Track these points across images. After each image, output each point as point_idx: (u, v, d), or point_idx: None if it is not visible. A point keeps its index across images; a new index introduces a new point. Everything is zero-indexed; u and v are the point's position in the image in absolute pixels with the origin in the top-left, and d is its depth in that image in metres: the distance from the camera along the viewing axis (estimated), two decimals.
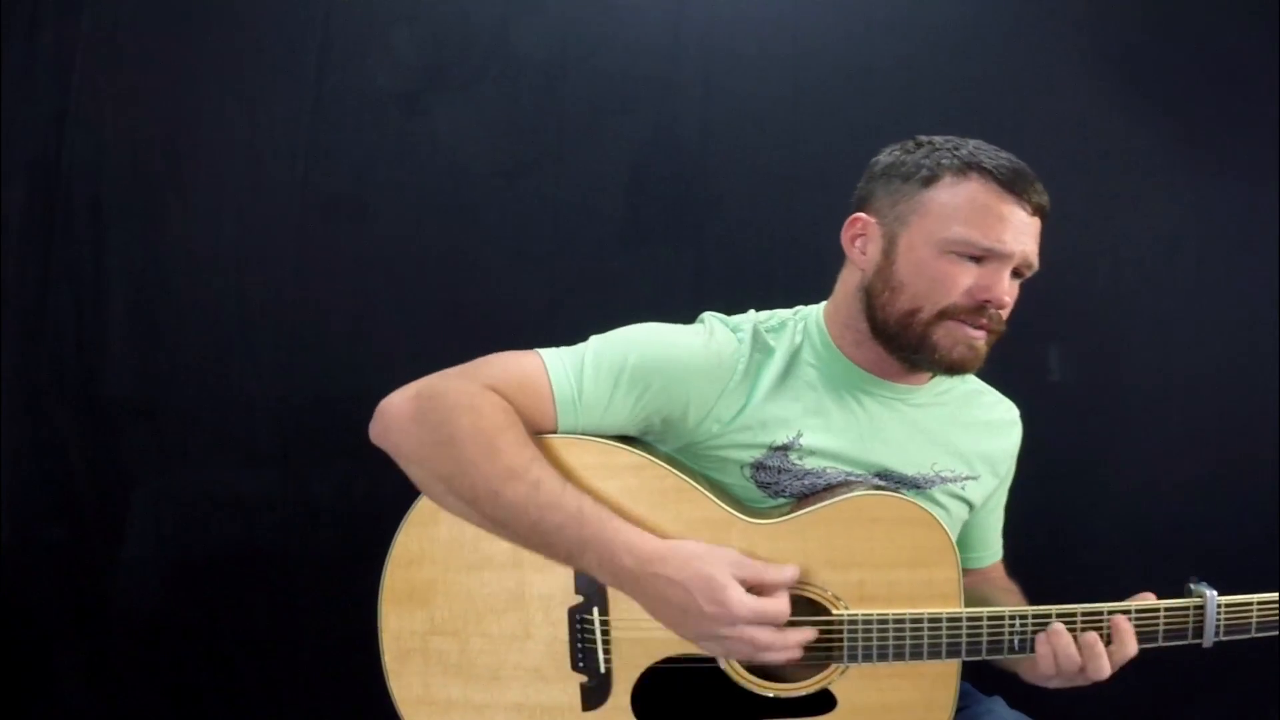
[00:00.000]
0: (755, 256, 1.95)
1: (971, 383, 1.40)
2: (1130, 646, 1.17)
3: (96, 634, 2.00)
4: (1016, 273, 1.23)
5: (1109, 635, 1.17)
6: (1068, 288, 1.93)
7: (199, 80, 1.98)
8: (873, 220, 1.28)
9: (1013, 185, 1.21)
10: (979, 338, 1.23)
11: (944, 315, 1.22)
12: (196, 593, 1.99)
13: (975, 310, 1.21)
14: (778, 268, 1.94)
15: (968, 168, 1.22)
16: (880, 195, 1.28)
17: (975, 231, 1.20)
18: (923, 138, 1.29)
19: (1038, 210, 1.23)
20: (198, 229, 1.98)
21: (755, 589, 1.14)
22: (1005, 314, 1.24)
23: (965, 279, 1.21)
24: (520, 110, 1.98)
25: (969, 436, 1.35)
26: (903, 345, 1.24)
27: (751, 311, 1.35)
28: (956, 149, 1.24)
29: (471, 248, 1.97)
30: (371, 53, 1.98)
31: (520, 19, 1.98)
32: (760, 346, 1.28)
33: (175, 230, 1.98)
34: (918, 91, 1.92)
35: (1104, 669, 1.16)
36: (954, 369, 1.25)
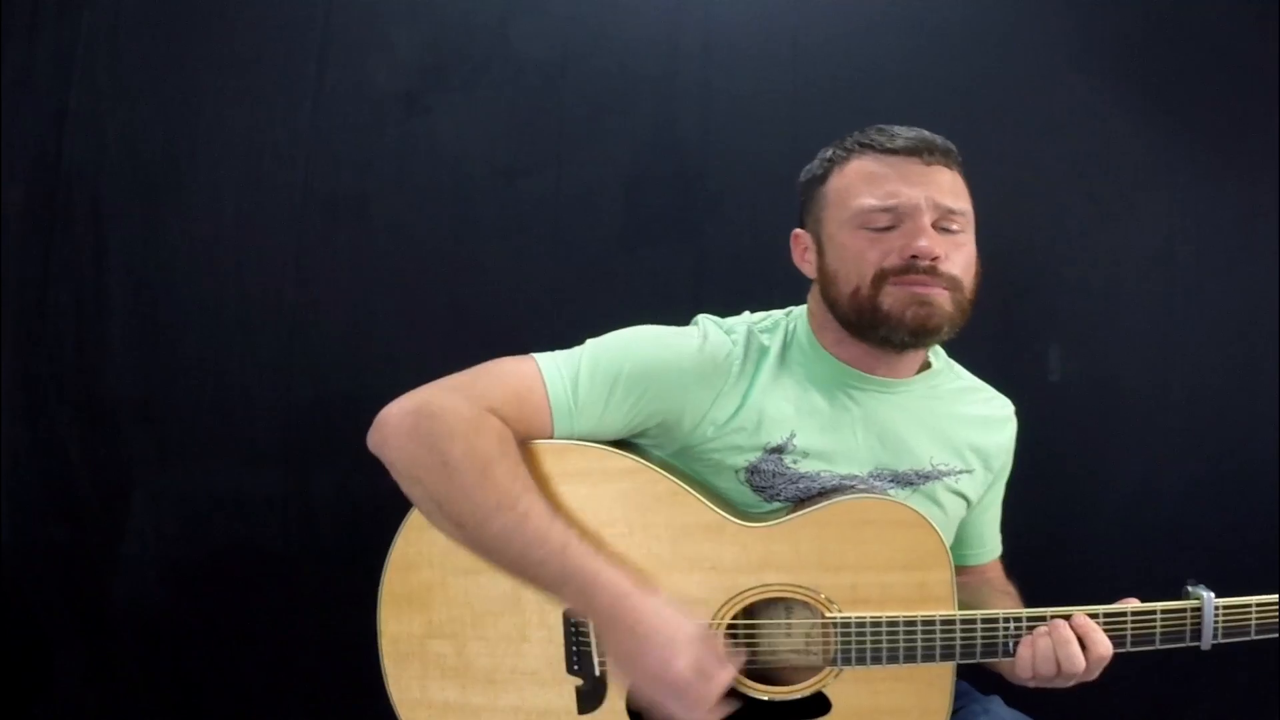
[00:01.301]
0: (755, 256, 1.94)
1: (966, 379, 1.40)
2: (1101, 645, 1.16)
3: (96, 634, 2.00)
4: (947, 229, 1.24)
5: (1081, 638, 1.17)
6: (1068, 288, 1.94)
7: (199, 80, 1.98)
8: (804, 232, 1.34)
9: (895, 149, 1.25)
10: (926, 293, 1.22)
11: (880, 280, 1.22)
12: (197, 593, 1.99)
13: (906, 268, 1.22)
14: (778, 268, 1.91)
15: (849, 152, 1.28)
16: (805, 207, 1.34)
17: (872, 198, 1.23)
18: (826, 146, 1.34)
19: (937, 160, 1.25)
20: (198, 229, 1.98)
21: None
22: (949, 268, 1.23)
23: (884, 244, 1.23)
24: (520, 110, 1.98)
25: (963, 430, 1.35)
26: (865, 325, 1.25)
27: (746, 313, 1.35)
28: (844, 140, 1.30)
29: (471, 248, 1.98)
30: (371, 53, 1.98)
31: (520, 19, 1.98)
32: (754, 347, 1.28)
33: (175, 230, 1.98)
34: (918, 91, 1.92)
35: (1077, 664, 1.15)
36: (919, 331, 1.23)
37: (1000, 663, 1.22)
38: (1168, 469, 1.93)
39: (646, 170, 1.98)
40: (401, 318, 1.97)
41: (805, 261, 1.33)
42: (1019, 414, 1.43)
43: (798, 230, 1.35)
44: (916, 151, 1.24)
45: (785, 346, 1.30)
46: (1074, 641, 1.16)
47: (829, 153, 1.31)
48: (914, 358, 1.32)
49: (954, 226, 1.24)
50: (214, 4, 1.99)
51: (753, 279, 1.92)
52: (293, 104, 1.98)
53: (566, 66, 1.98)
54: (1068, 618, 1.18)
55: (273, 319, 1.98)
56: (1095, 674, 1.18)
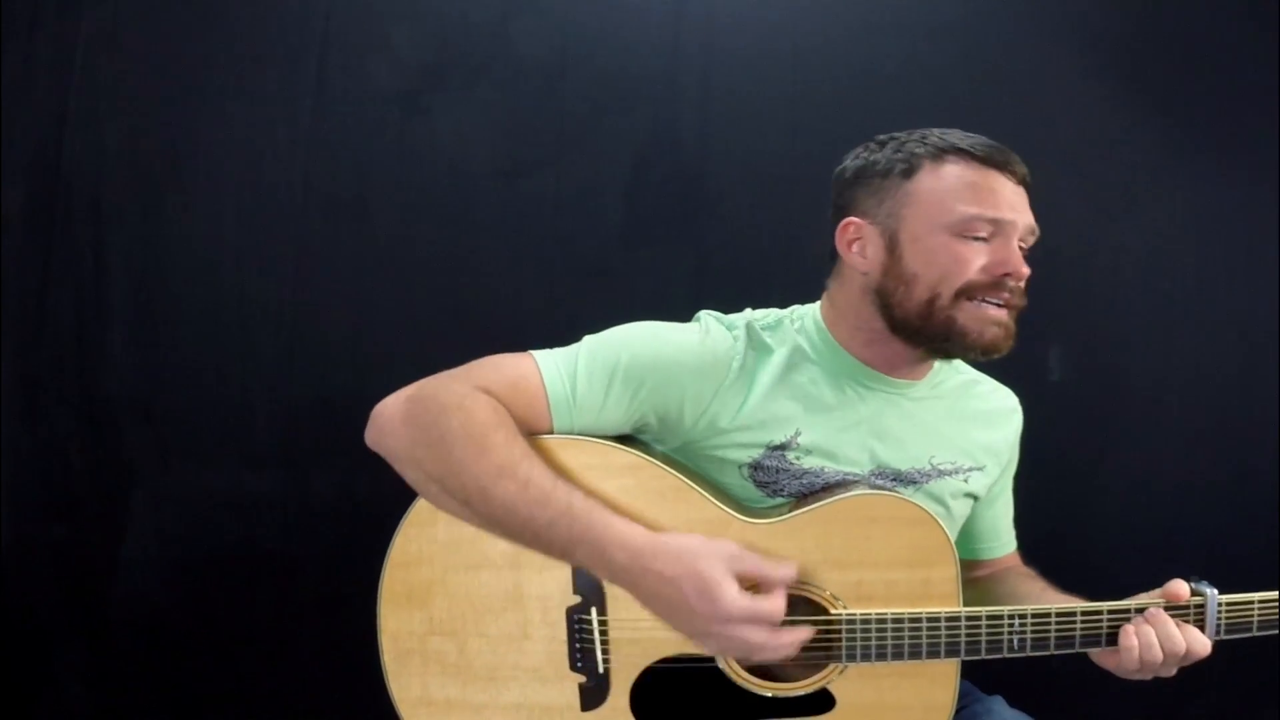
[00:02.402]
0: (755, 256, 1.95)
1: (967, 373, 1.40)
2: (1175, 639, 1.16)
3: (96, 634, 2.00)
4: (1021, 248, 1.24)
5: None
6: (1068, 288, 1.94)
7: (199, 80, 1.98)
8: (865, 222, 1.27)
9: (993, 159, 1.22)
10: (1004, 315, 1.22)
11: (962, 296, 1.21)
12: (196, 593, 1.99)
13: (994, 285, 1.21)
14: (778, 268, 1.94)
15: (942, 152, 1.23)
16: (863, 197, 1.28)
17: (977, 207, 1.21)
18: (882, 136, 1.29)
19: (1022, 180, 1.24)
20: (198, 229, 1.98)
21: (752, 585, 1.13)
22: (1023, 285, 1.24)
23: (978, 258, 1.21)
24: (520, 110, 1.98)
25: (968, 428, 1.35)
26: (930, 336, 1.24)
27: (748, 310, 1.35)
28: (924, 138, 1.25)
29: (471, 248, 1.98)
30: (371, 53, 1.98)
31: (520, 19, 1.98)
32: (756, 344, 1.28)
33: (175, 230, 1.98)
34: (918, 91, 1.92)
35: (1179, 644, 1.15)
36: (989, 351, 1.23)
37: (1103, 661, 1.21)
38: (1168, 469, 1.93)
39: (646, 170, 1.98)
40: (401, 318, 1.97)
41: (857, 254, 1.27)
42: (1019, 401, 1.43)
43: (853, 219, 1.27)
44: (1010, 168, 1.23)
45: (794, 345, 1.29)
46: (1171, 622, 1.16)
47: (908, 147, 1.25)
48: (937, 362, 1.32)
49: (1026, 246, 1.25)
50: (214, 4, 1.99)
51: (753, 279, 1.93)
52: (293, 104, 1.98)
53: (566, 66, 1.98)
54: (1071, 614, 1.18)
55: (273, 319, 1.98)
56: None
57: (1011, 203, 1.22)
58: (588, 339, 1.26)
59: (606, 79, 1.98)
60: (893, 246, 1.24)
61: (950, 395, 1.36)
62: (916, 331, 1.24)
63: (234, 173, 1.98)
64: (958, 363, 1.39)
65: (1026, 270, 1.22)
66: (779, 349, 1.28)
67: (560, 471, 1.18)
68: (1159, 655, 1.16)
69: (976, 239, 1.21)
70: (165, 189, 1.98)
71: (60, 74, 1.97)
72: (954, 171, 1.22)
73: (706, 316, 1.31)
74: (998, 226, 1.21)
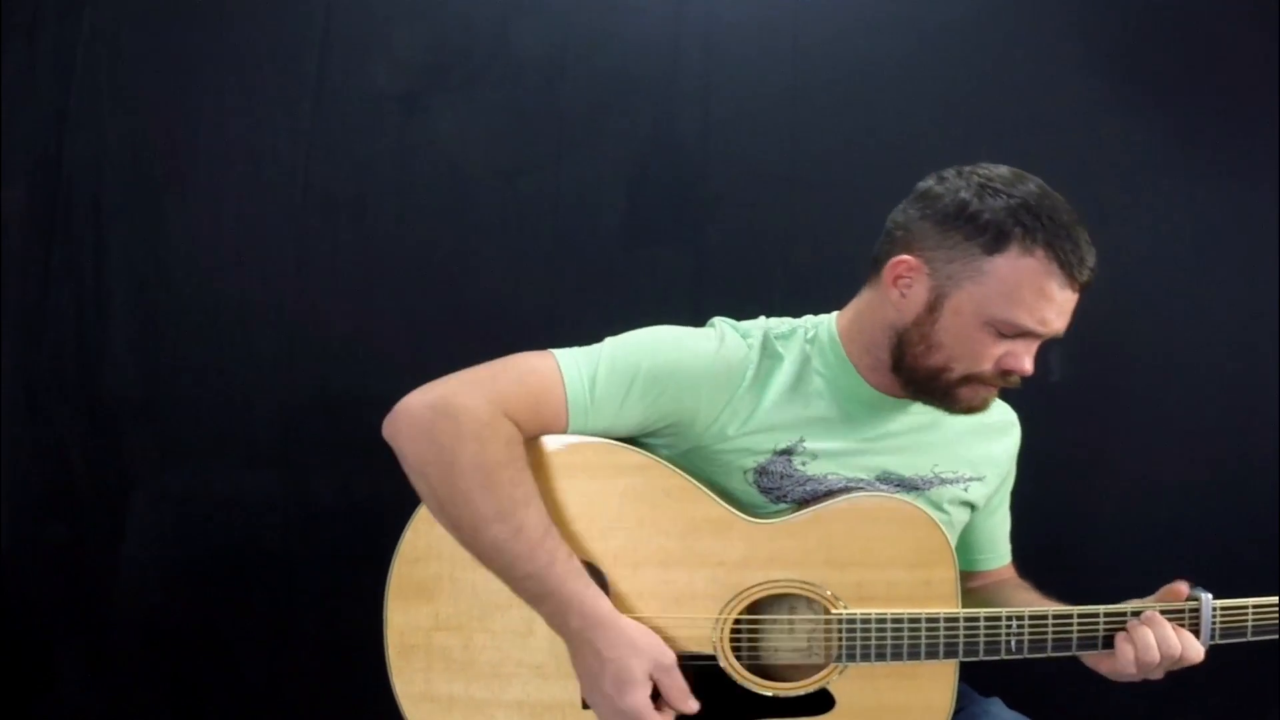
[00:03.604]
0: (755, 256, 1.94)
1: None
2: (1172, 642, 1.18)
3: (96, 634, 2.00)
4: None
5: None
6: None
7: (199, 80, 1.98)
8: (923, 268, 1.22)
9: (1071, 267, 1.17)
10: (994, 392, 1.26)
11: (969, 379, 1.23)
12: (196, 593, 1.99)
13: (999, 375, 1.23)
14: (778, 268, 1.94)
15: (1034, 243, 1.16)
16: (933, 242, 1.21)
17: (1023, 315, 1.18)
18: (983, 172, 1.22)
19: (1084, 288, 1.21)
20: (198, 229, 1.97)
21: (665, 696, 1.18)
22: None
23: (998, 350, 1.21)
24: (520, 110, 1.98)
25: (969, 438, 1.35)
26: (924, 392, 1.26)
27: (762, 318, 1.34)
28: (1026, 208, 1.17)
29: (471, 248, 1.97)
30: (371, 53, 1.98)
31: (520, 19, 1.98)
32: (770, 353, 1.28)
33: (175, 230, 1.98)
34: (918, 91, 1.92)
35: (1175, 646, 1.17)
36: (970, 413, 1.27)
37: (1097, 664, 1.23)
38: (1168, 469, 1.93)
39: (646, 170, 1.97)
40: (401, 318, 1.97)
41: (898, 291, 1.24)
42: (1019, 414, 1.43)
43: (908, 257, 1.22)
44: (1080, 276, 1.18)
45: (805, 355, 1.30)
46: (1168, 625, 1.18)
47: (1005, 216, 1.17)
48: None
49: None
50: (214, 4, 1.99)
51: (753, 279, 1.93)
52: (293, 104, 1.98)
53: (566, 66, 1.98)
54: (1069, 617, 1.19)
55: (273, 319, 1.98)
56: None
57: (1058, 313, 1.20)
58: (608, 342, 1.27)
59: (606, 79, 1.97)
60: (935, 306, 1.22)
61: None
62: (916, 384, 1.26)
63: (234, 173, 1.97)
64: None
65: (1031, 370, 1.22)
66: (790, 358, 1.29)
67: (570, 473, 1.22)
68: (1155, 658, 1.17)
69: (1006, 336, 1.21)
70: (165, 189, 1.98)
71: (60, 74, 1.97)
72: (1030, 268, 1.17)
73: (721, 323, 1.31)
74: (1032, 335, 1.21)
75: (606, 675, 1.16)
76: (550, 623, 1.19)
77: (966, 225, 1.19)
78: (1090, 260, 1.19)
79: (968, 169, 1.23)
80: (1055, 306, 1.19)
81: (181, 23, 1.98)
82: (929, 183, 1.26)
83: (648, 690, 1.16)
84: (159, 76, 1.98)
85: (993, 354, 1.21)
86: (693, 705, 1.17)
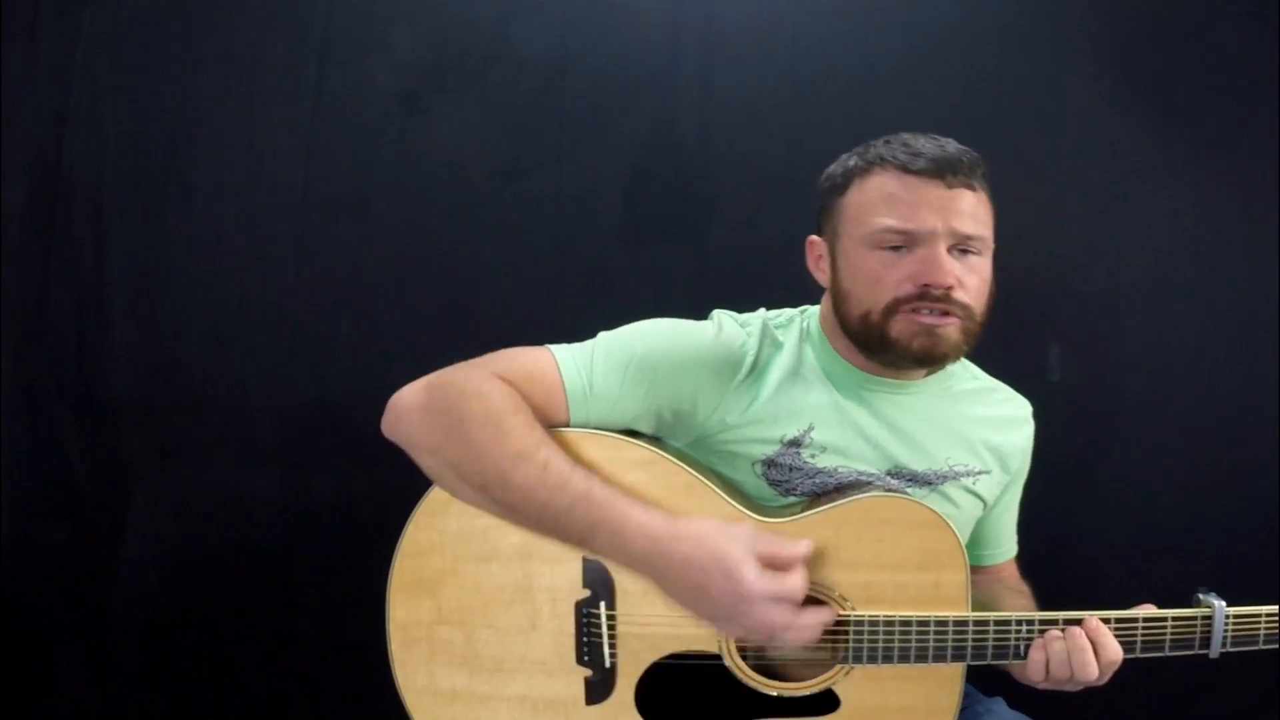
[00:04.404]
0: (755, 256, 1.94)
1: (983, 379, 1.41)
2: (1111, 650, 1.16)
3: (96, 634, 2.00)
4: (965, 250, 1.22)
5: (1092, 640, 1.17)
6: (1068, 288, 1.94)
7: (199, 80, 1.98)
8: (821, 240, 1.31)
9: (919, 167, 1.20)
10: (937, 324, 1.21)
11: (892, 310, 1.21)
12: (196, 593, 1.99)
13: (919, 297, 1.20)
14: (778, 268, 1.91)
15: (870, 165, 1.24)
16: (822, 217, 1.31)
17: (888, 218, 1.20)
18: (859, 146, 1.29)
19: (959, 181, 1.20)
20: (198, 229, 1.97)
21: (773, 565, 1.12)
22: (963, 295, 1.21)
23: (897, 270, 1.20)
24: (520, 110, 1.97)
25: (978, 430, 1.35)
26: (870, 347, 1.25)
27: (762, 310, 1.36)
28: (866, 149, 1.26)
29: (471, 248, 1.97)
30: (371, 53, 1.98)
31: (520, 19, 1.98)
32: (770, 341, 1.29)
33: (175, 230, 1.98)
34: (918, 91, 1.92)
35: (1091, 671, 1.16)
36: (923, 359, 1.24)
37: (1010, 665, 1.22)
38: (1168, 469, 1.93)
39: (646, 170, 1.97)
40: (401, 318, 1.97)
41: (819, 270, 1.32)
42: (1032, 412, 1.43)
43: (814, 237, 1.33)
44: (939, 173, 1.20)
45: (800, 343, 1.31)
46: (1088, 648, 1.16)
47: (851, 161, 1.27)
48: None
49: (971, 249, 1.22)
50: (214, 4, 1.98)
51: (753, 279, 1.92)
52: (293, 104, 1.97)
53: (566, 66, 1.98)
54: (1079, 622, 1.18)
55: (273, 319, 1.98)
56: (1105, 679, 1.18)
57: (932, 210, 1.19)
58: (603, 334, 1.27)
59: (606, 79, 1.97)
60: (834, 263, 1.28)
61: (962, 398, 1.36)
62: (861, 344, 1.26)
63: (234, 173, 1.97)
64: (972, 369, 1.40)
65: (948, 279, 1.19)
66: (790, 345, 1.30)
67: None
68: (1066, 672, 1.16)
69: (894, 250, 1.21)
70: (165, 189, 1.98)
71: (60, 74, 1.97)
72: (877, 184, 1.23)
73: (720, 314, 1.32)
74: (913, 237, 1.20)
75: (713, 575, 1.10)
76: (609, 552, 1.15)
77: (829, 188, 1.29)
78: (956, 160, 1.20)
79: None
80: (920, 205, 1.19)
81: (181, 23, 1.98)
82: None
83: (757, 565, 1.10)
84: (159, 76, 1.98)
85: (894, 276, 1.20)
86: (804, 548, 1.13)
